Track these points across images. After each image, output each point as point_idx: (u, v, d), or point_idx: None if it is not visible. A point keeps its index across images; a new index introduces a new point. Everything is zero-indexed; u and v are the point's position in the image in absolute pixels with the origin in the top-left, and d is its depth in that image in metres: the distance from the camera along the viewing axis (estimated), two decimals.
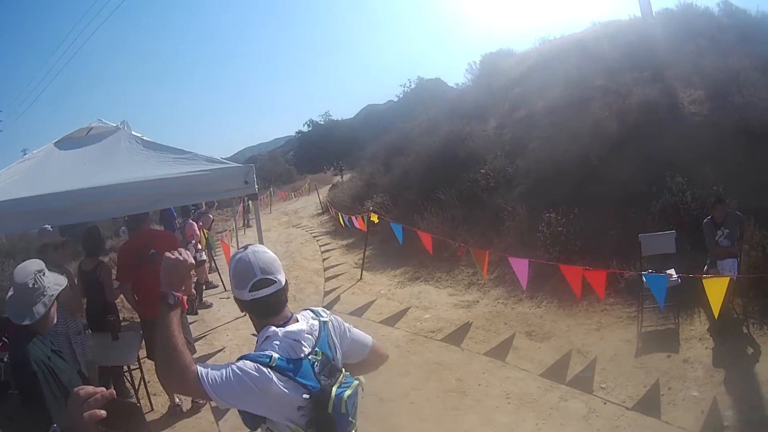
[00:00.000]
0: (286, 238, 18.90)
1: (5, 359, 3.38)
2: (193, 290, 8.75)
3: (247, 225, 21.95)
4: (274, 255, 2.41)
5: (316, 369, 2.22)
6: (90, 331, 6.04)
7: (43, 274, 3.08)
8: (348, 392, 2.25)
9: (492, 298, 9.21)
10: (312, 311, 2.48)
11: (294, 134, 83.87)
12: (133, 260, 5.92)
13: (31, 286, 2.97)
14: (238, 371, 2.10)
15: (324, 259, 14.45)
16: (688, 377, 5.83)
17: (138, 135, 6.74)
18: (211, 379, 2.06)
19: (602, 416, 5.42)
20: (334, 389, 2.21)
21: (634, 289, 7.43)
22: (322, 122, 77.06)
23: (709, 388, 5.56)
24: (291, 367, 2.17)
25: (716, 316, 5.56)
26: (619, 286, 7.81)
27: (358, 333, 2.62)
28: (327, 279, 12.27)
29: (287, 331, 2.26)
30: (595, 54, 15.00)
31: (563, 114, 12.61)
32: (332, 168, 40.86)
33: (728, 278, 5.46)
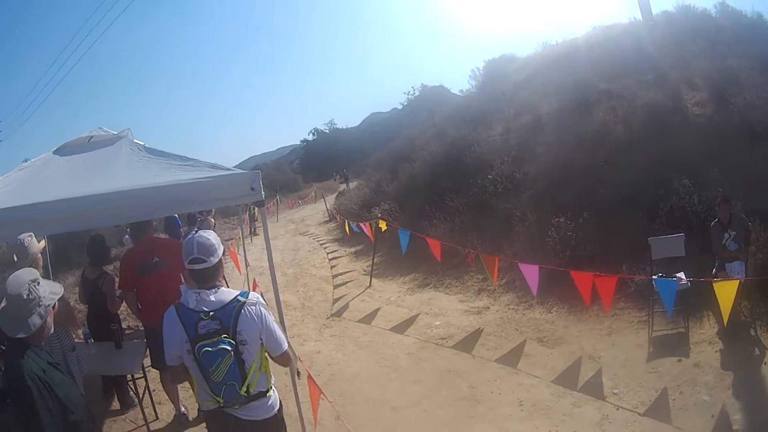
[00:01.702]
0: (294, 246, 18.89)
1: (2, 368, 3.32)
2: None
3: (253, 233, 21.89)
4: (214, 241, 3.21)
5: (200, 324, 3.02)
6: (92, 340, 6.09)
7: (38, 283, 2.90)
8: (208, 349, 2.97)
9: (502, 304, 9.19)
10: (242, 293, 3.22)
11: (299, 143, 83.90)
12: (137, 269, 5.81)
13: (25, 297, 2.79)
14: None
15: (332, 267, 14.45)
16: (699, 381, 5.82)
17: (140, 143, 6.54)
18: None
19: (615, 422, 5.41)
20: (200, 342, 2.98)
21: (644, 293, 7.41)
22: (327, 131, 77.27)
23: (719, 392, 5.55)
24: (181, 311, 3.08)
25: (725, 320, 5.51)
26: (629, 291, 7.78)
27: (279, 335, 3.31)
28: (336, 286, 12.27)
29: (193, 291, 3.14)
30: (597, 58, 15.03)
31: (568, 118, 12.63)
32: (338, 176, 40.75)
33: (737, 281, 5.43)
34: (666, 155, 9.53)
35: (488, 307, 9.26)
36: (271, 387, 3.39)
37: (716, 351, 6.30)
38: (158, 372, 6.15)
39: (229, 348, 3.01)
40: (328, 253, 16.43)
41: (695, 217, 8.38)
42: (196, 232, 3.33)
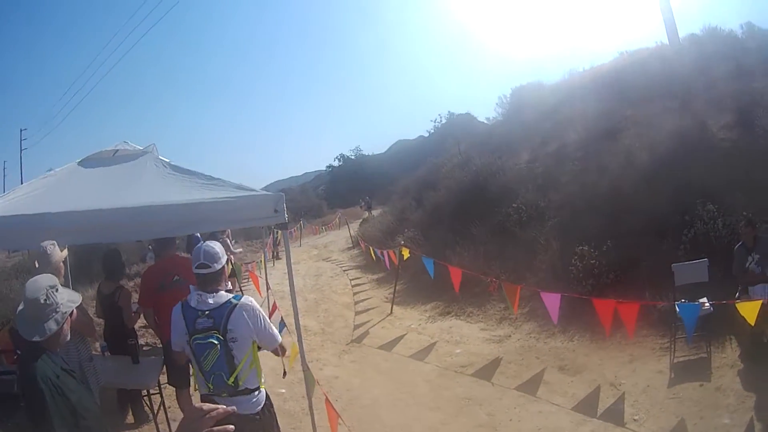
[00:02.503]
0: (316, 272, 18.86)
1: (17, 372, 3.34)
2: None
3: (276, 257, 21.88)
4: (218, 250, 3.71)
5: (198, 320, 3.52)
6: (108, 353, 6.16)
7: (56, 290, 2.96)
8: (200, 342, 3.50)
9: (524, 333, 9.14)
10: (236, 296, 3.69)
11: (325, 168, 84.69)
12: (156, 285, 5.83)
13: (42, 301, 2.84)
14: None
15: (354, 294, 14.42)
16: (720, 405, 5.75)
17: (166, 159, 6.54)
18: None
19: None
20: (195, 335, 3.51)
21: (667, 319, 7.32)
22: (353, 157, 78.02)
23: (741, 414, 5.48)
24: (185, 308, 3.64)
25: (752, 323, 5.33)
26: (651, 318, 7.68)
27: (271, 332, 3.76)
28: (357, 313, 12.24)
29: (196, 292, 3.64)
30: (624, 84, 14.98)
31: (595, 146, 12.59)
32: (363, 203, 40.79)
33: (760, 301, 5.34)
34: (691, 181, 9.43)
35: (509, 336, 9.20)
36: (260, 388, 3.80)
37: (737, 374, 6.21)
38: (174, 389, 6.14)
39: (215, 342, 3.49)
40: (350, 280, 16.42)
41: (719, 242, 8.27)
42: (204, 242, 3.79)
